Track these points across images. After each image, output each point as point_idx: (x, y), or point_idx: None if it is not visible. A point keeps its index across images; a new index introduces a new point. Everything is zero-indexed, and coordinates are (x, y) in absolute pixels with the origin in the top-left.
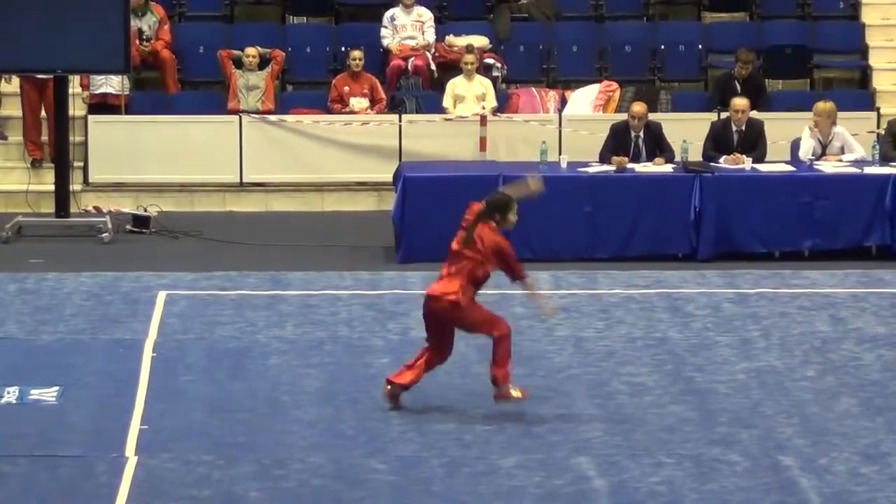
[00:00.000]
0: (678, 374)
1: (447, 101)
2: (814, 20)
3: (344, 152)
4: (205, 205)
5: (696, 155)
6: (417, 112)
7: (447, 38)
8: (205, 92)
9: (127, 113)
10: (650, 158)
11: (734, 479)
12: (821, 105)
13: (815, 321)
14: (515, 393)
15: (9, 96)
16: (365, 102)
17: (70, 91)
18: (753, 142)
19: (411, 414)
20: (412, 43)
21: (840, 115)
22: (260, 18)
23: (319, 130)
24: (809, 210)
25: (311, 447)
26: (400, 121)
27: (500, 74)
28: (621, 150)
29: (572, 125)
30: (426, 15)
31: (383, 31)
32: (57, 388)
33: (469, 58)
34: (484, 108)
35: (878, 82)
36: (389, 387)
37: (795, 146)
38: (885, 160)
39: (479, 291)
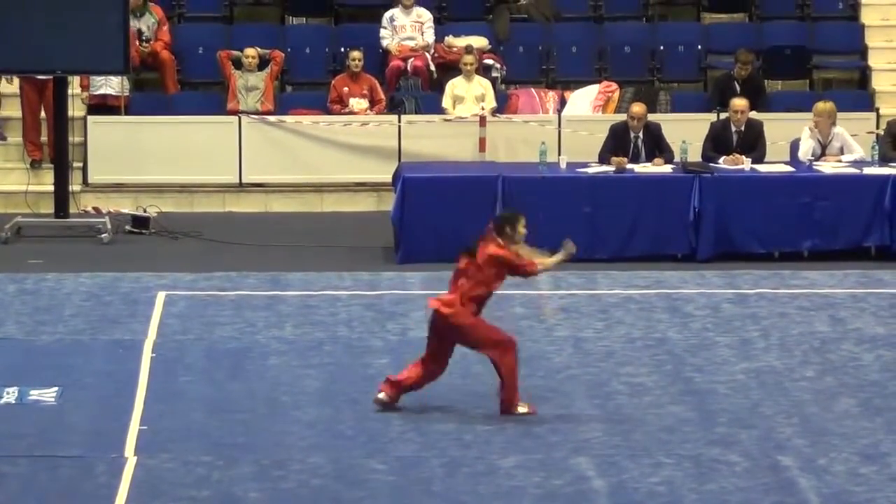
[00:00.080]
0: (677, 374)
1: (446, 102)
2: (813, 21)
3: (343, 153)
4: (204, 205)
5: (695, 155)
6: (417, 113)
7: (446, 38)
8: (204, 93)
9: (126, 114)
10: (649, 159)
11: (733, 480)
12: (821, 105)
13: (815, 321)
14: (522, 409)
15: (8, 97)
16: (364, 103)
17: (69, 92)
18: (753, 142)
19: (411, 414)
20: (411, 44)
21: (839, 115)
22: (259, 19)
23: (319, 131)
24: (809, 210)
25: (311, 447)
26: (399, 121)
27: (499, 75)
28: (621, 151)
29: (571, 126)
30: (425, 16)
31: (382, 32)
32: (56, 388)
33: (468, 58)
34: (483, 108)
35: (878, 83)
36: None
37: (795, 147)
38: (884, 161)
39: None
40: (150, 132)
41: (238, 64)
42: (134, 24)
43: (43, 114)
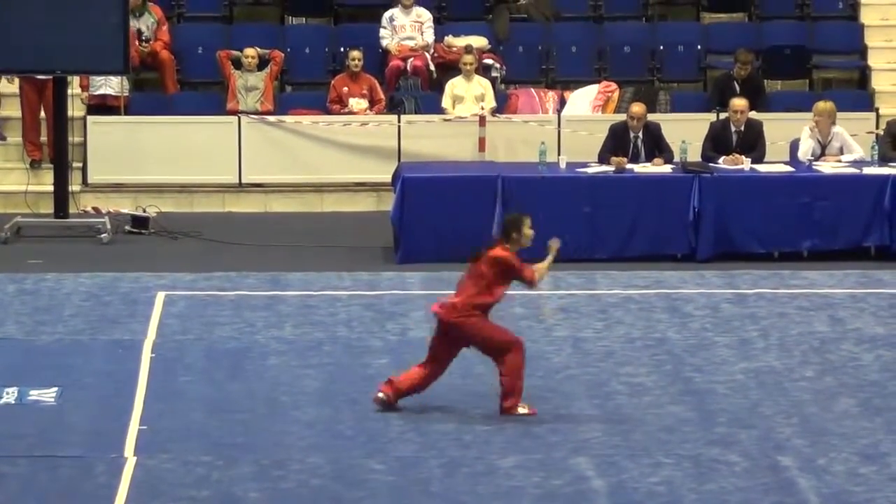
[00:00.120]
0: (677, 374)
1: (446, 102)
2: (813, 21)
3: (343, 153)
4: (204, 205)
5: (694, 155)
6: (416, 112)
7: (446, 38)
8: (204, 93)
9: (126, 114)
10: (649, 159)
11: (733, 480)
12: (821, 105)
13: (814, 321)
14: (522, 409)
15: (8, 97)
16: (364, 103)
17: (69, 92)
18: (752, 142)
19: (410, 414)
20: (411, 43)
21: (839, 115)
22: (259, 19)
23: (318, 131)
24: (808, 210)
25: (310, 447)
26: (399, 121)
27: (498, 75)
28: (620, 151)
29: (571, 126)
30: (425, 15)
31: (382, 32)
32: (56, 388)
33: (468, 58)
34: (483, 108)
35: (877, 83)
36: (381, 394)
37: (794, 146)
38: (883, 161)
39: None
40: (149, 132)
41: (238, 64)
42: (133, 23)
43: (43, 114)
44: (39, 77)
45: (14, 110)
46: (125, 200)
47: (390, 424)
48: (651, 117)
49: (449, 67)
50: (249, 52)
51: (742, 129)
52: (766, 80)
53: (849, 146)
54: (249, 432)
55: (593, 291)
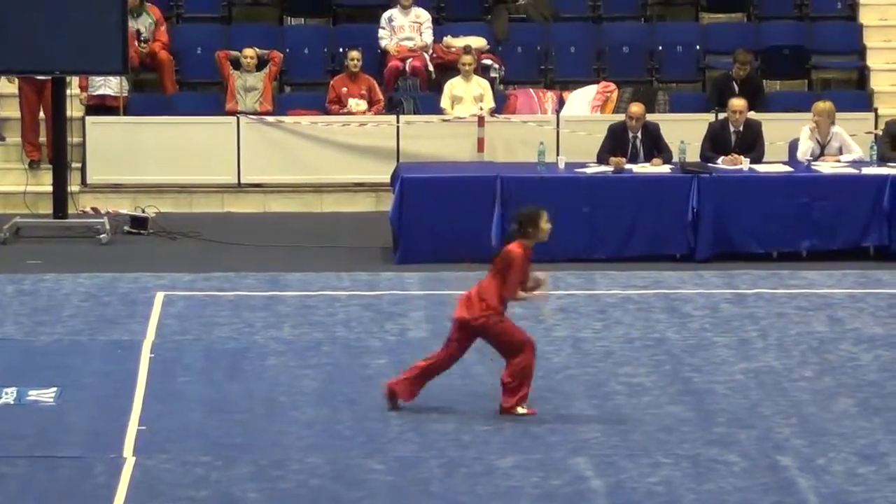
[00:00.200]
0: (676, 374)
1: (445, 102)
2: (811, 21)
3: (342, 153)
4: (203, 206)
5: (693, 156)
6: (415, 113)
7: (445, 39)
8: (203, 93)
9: (125, 114)
10: (648, 159)
11: (732, 480)
12: (820, 105)
13: (813, 321)
14: (521, 409)
15: (7, 97)
16: (363, 103)
17: (68, 92)
18: (751, 142)
19: (409, 414)
20: (410, 44)
21: (838, 115)
22: (258, 19)
23: (317, 131)
24: (807, 210)
25: (309, 448)
26: (398, 122)
27: (497, 75)
28: (619, 151)
29: (570, 126)
30: (424, 16)
31: (381, 32)
32: (55, 388)
33: (467, 59)
34: (482, 108)
35: (876, 83)
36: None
37: (793, 147)
38: (882, 161)
39: None
40: (148, 133)
41: (236, 64)
42: (131, 24)
43: (42, 114)
44: (38, 77)
45: (13, 111)
46: (124, 201)
47: (389, 424)
48: (650, 117)
49: (448, 68)
50: (248, 52)
51: (741, 129)
52: (764, 81)
53: (848, 146)
54: (248, 432)
55: (592, 291)
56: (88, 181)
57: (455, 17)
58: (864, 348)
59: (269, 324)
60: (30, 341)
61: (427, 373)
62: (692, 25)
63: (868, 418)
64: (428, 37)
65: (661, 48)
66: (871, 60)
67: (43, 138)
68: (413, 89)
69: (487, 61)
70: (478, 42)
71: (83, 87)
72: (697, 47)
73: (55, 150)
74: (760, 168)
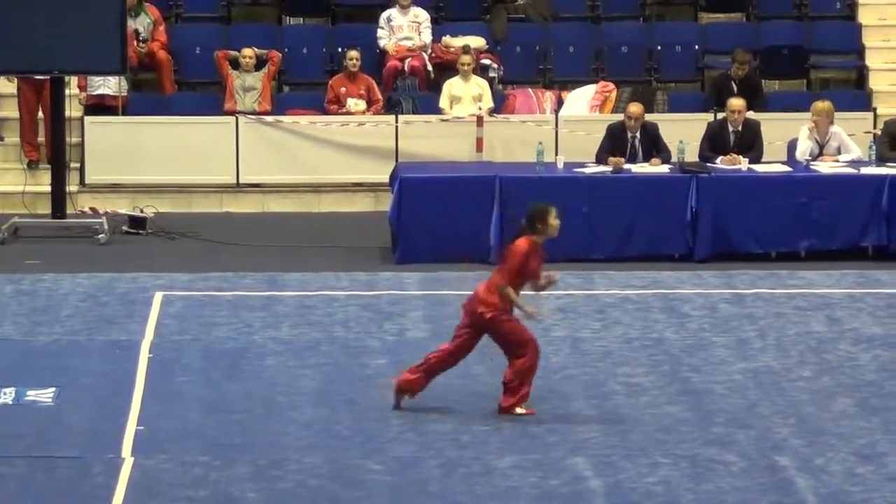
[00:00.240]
0: (674, 374)
1: (443, 102)
2: (810, 20)
3: (340, 153)
4: (201, 206)
5: (692, 155)
6: (414, 113)
7: (444, 38)
8: (201, 93)
9: (124, 114)
10: (646, 159)
11: (730, 480)
12: (819, 104)
13: (812, 321)
14: (520, 410)
15: (6, 97)
16: (361, 103)
17: (67, 92)
18: (750, 142)
19: (408, 414)
20: (409, 44)
21: (837, 115)
22: (256, 19)
23: (316, 131)
24: (806, 210)
25: (308, 448)
26: (396, 121)
27: (496, 75)
28: (618, 151)
29: (569, 126)
30: (423, 16)
31: (380, 32)
32: (53, 389)
33: (465, 58)
34: (480, 108)
35: (875, 82)
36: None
37: (792, 146)
38: (881, 160)
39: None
40: (147, 132)
41: (235, 64)
42: (130, 24)
43: (40, 114)
44: (37, 77)
45: (12, 111)
46: (123, 201)
47: (388, 425)
48: (649, 117)
49: (446, 68)
50: (247, 52)
51: (739, 129)
52: (763, 80)
53: (846, 146)
54: (247, 432)
55: (591, 291)
56: (87, 181)
57: (454, 17)
58: (862, 348)
59: (267, 324)
60: (28, 341)
61: (435, 368)
62: (691, 25)
63: (866, 418)
64: (427, 36)
65: (659, 48)
66: (870, 60)
67: (41, 138)
68: (412, 89)
69: (486, 61)
70: (476, 42)
71: (82, 87)
72: (696, 47)
73: (54, 150)
74: (759, 168)
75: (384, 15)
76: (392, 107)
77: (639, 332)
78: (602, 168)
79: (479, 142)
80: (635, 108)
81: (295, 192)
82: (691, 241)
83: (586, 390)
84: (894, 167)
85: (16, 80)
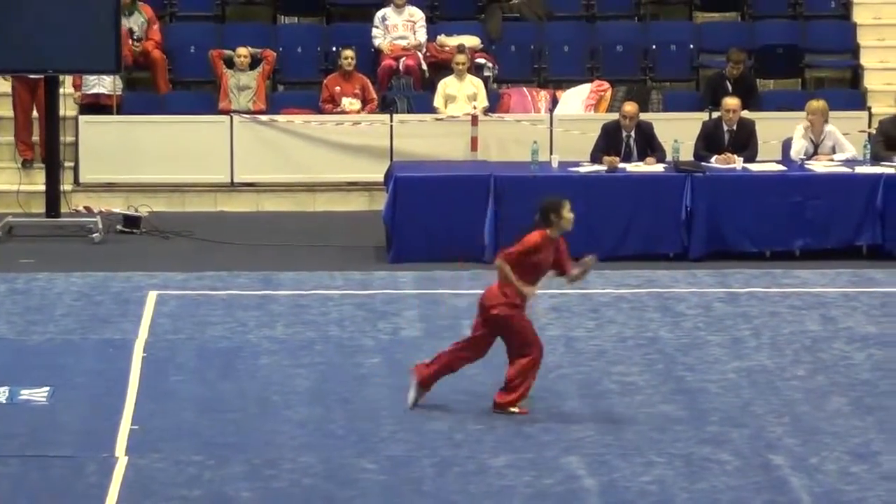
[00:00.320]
0: (669, 373)
1: (438, 101)
2: (805, 20)
3: (335, 152)
4: (196, 205)
5: (687, 155)
6: (409, 112)
7: (438, 37)
8: (196, 92)
9: (118, 113)
10: (641, 158)
11: (725, 479)
12: (814, 103)
13: (806, 320)
14: (513, 409)
15: (0, 96)
16: (356, 102)
17: (61, 91)
18: (745, 141)
19: (402, 414)
20: (403, 43)
21: (831, 114)
22: (251, 18)
23: (310, 130)
24: (800, 210)
25: (302, 447)
26: (391, 121)
27: (491, 74)
28: (612, 150)
29: (563, 125)
30: (417, 15)
31: (374, 31)
32: (47, 388)
33: (460, 58)
34: (475, 107)
35: (870, 82)
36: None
37: (787, 146)
38: (876, 160)
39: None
40: (141, 132)
41: (230, 63)
42: (124, 22)
43: (35, 113)
44: (31, 76)
45: (6, 110)
46: (117, 200)
47: (382, 424)
48: (643, 116)
49: (441, 67)
50: (242, 51)
51: (734, 128)
52: (758, 80)
53: (841, 145)
54: (241, 432)
55: (585, 291)
56: (81, 180)
57: (449, 16)
58: (856, 347)
59: (261, 323)
60: (22, 340)
61: (447, 366)
62: (686, 24)
63: (861, 417)
64: (422, 36)
65: (654, 47)
66: (865, 59)
67: (36, 137)
68: (406, 88)
69: (481, 60)
70: (471, 41)
71: (77, 86)
72: (691, 46)
73: (48, 150)
74: (754, 167)
75: (379, 14)
76: (387, 106)
77: (633, 331)
78: (597, 167)
79: (474, 141)
80: (630, 107)
81: (289, 192)
82: (686, 240)
83: (581, 389)
84: (889, 166)
85: (10, 79)
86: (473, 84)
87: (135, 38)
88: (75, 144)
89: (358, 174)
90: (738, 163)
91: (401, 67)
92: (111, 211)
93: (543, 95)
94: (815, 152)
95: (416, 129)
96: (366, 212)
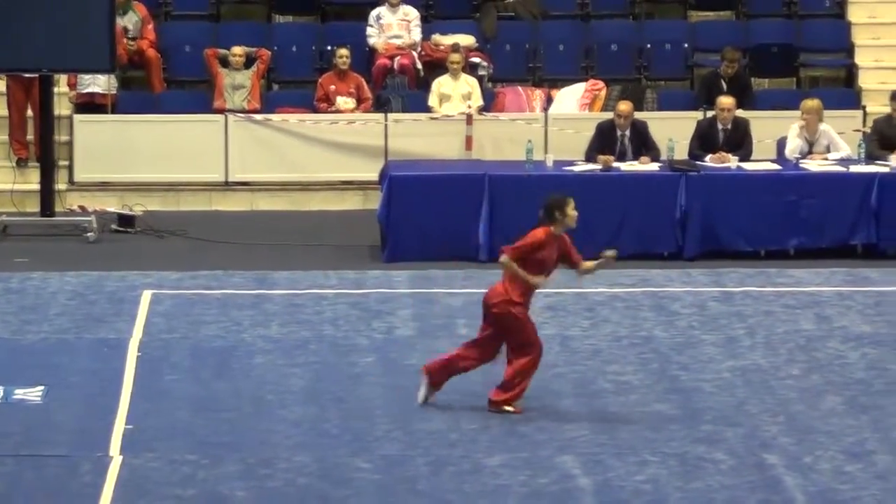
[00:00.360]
0: (663, 372)
1: (433, 100)
2: (800, 19)
3: (330, 151)
4: (190, 204)
5: (681, 154)
6: (403, 111)
7: (433, 36)
8: (191, 91)
9: (113, 112)
10: (636, 157)
11: (719, 478)
12: (809, 102)
13: (801, 319)
14: (508, 408)
15: None
16: (351, 101)
17: (56, 90)
18: (739, 140)
19: (396, 413)
20: (398, 42)
21: (826, 113)
22: (246, 17)
23: (305, 129)
24: (795, 209)
25: (296, 446)
26: (386, 120)
27: (486, 73)
28: (607, 149)
29: (558, 124)
30: (412, 14)
31: (369, 30)
32: (42, 387)
33: (455, 57)
34: (470, 106)
35: (864, 81)
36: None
37: (781, 145)
38: (870, 159)
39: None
40: (136, 131)
41: (225, 62)
42: (118, 21)
43: (30, 112)
44: (26, 75)
45: (1, 109)
46: (112, 199)
47: (376, 423)
48: (638, 115)
49: (436, 66)
50: (236, 50)
51: (729, 127)
52: (753, 78)
53: (836, 144)
54: (235, 431)
55: (580, 290)
56: (76, 179)
57: (443, 15)
58: (851, 346)
59: (256, 322)
60: (16, 340)
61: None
62: (681, 23)
63: (855, 416)
64: (416, 34)
65: (649, 46)
66: (860, 58)
67: (31, 136)
68: (401, 87)
69: (476, 59)
70: (466, 40)
71: (72, 86)
72: (686, 45)
73: (42, 149)
74: (748, 166)
75: (374, 13)
76: (381, 105)
77: (628, 330)
78: (591, 166)
79: (469, 140)
80: (625, 106)
81: (284, 191)
82: (680, 239)
83: (575, 388)
84: (883, 165)
85: (4, 78)
86: (468, 83)
87: (129, 37)
88: (70, 143)
89: (353, 173)
90: (732, 162)
91: (395, 66)
92: (106, 210)
93: (538, 94)
94: (809, 151)
95: (410, 129)
96: (360, 211)
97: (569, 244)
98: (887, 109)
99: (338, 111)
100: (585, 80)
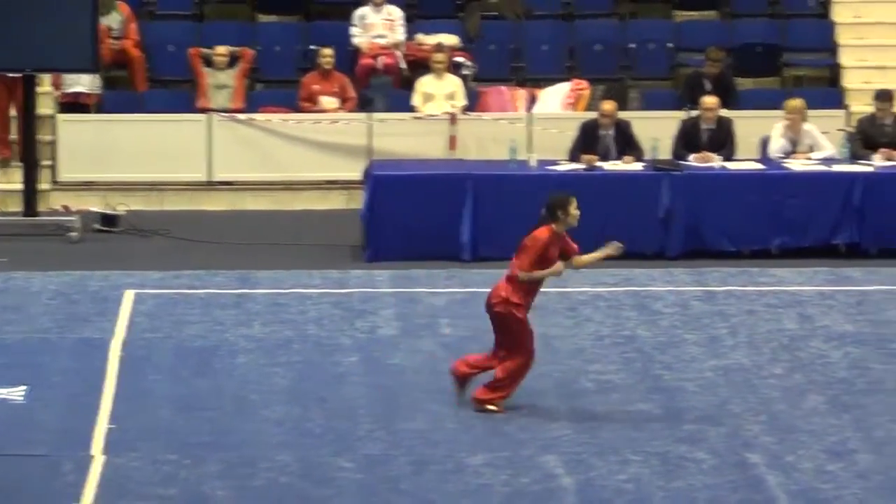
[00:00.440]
0: (646, 371)
1: (416, 100)
2: (784, 18)
3: (313, 151)
4: (174, 203)
5: (665, 153)
6: (387, 111)
7: (417, 36)
8: (174, 91)
9: (97, 112)
10: (620, 157)
11: (701, 477)
12: (793, 102)
13: (783, 319)
14: (491, 407)
15: None
16: (335, 101)
17: (40, 90)
18: (723, 140)
19: (379, 412)
20: (382, 41)
21: (810, 112)
22: (230, 17)
23: (289, 129)
24: (778, 208)
25: (279, 446)
26: (370, 119)
27: (470, 73)
28: (591, 149)
29: (542, 124)
30: (396, 13)
31: (353, 30)
32: (24, 387)
33: (439, 56)
34: (454, 106)
35: (848, 80)
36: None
37: (765, 144)
38: (854, 158)
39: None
40: (120, 130)
41: (208, 62)
42: (102, 21)
43: (13, 111)
44: (9, 75)
45: None
46: (95, 199)
47: (359, 423)
48: (622, 115)
49: (420, 65)
50: (220, 49)
51: (713, 126)
52: (736, 78)
53: (819, 144)
54: (218, 430)
55: (562, 289)
56: (59, 179)
57: (427, 15)
58: (833, 345)
59: (239, 321)
60: None
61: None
62: (665, 23)
63: (837, 415)
64: (400, 34)
65: (633, 46)
66: (844, 58)
67: (14, 136)
68: (385, 87)
69: (459, 59)
70: (450, 39)
71: (56, 85)
72: (670, 45)
73: (25, 148)
74: (732, 166)
75: (357, 13)
76: (365, 104)
77: (610, 329)
78: (575, 166)
79: (453, 139)
80: (608, 105)
81: (268, 190)
82: (664, 238)
83: (558, 388)
84: (867, 165)
85: None
86: (452, 83)
87: (113, 36)
88: (53, 143)
89: (336, 173)
90: (716, 161)
91: (379, 66)
92: (89, 209)
93: (522, 94)
94: (793, 151)
95: (394, 128)
96: (344, 210)
97: (567, 239)
98: (871, 109)
99: (322, 111)
100: (569, 79)
